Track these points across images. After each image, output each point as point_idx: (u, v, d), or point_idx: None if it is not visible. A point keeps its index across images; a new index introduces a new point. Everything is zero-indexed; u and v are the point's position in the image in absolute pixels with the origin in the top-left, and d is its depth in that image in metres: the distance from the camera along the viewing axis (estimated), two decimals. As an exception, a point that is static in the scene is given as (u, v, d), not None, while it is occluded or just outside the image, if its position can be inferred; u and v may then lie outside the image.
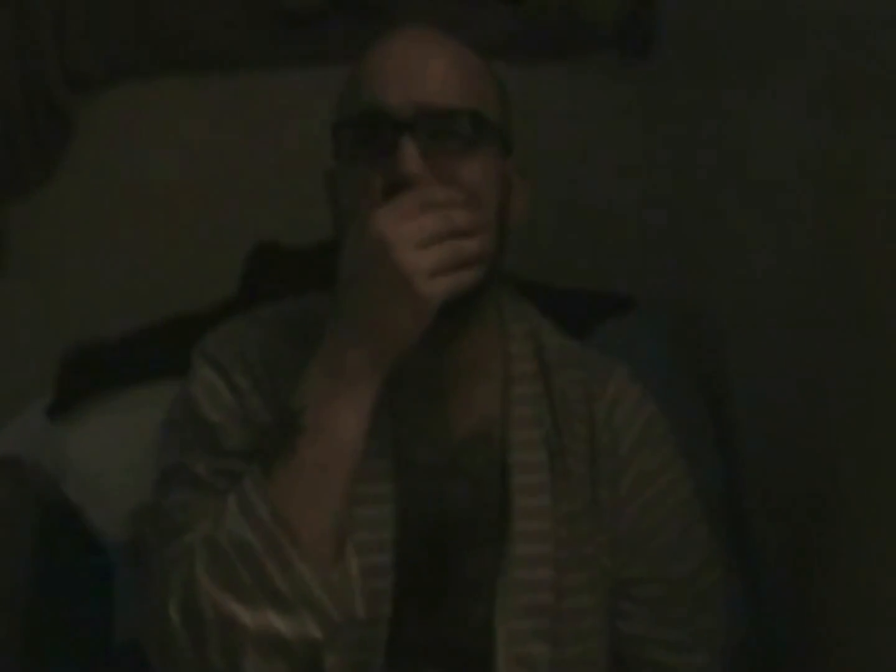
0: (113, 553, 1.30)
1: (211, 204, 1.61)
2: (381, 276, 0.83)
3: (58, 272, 1.61)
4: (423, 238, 0.84)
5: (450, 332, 0.92)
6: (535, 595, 0.96)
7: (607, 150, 1.69)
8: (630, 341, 1.35)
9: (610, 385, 1.03)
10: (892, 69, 1.00)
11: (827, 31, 1.13)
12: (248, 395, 0.97)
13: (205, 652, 0.85)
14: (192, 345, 1.02)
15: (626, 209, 1.71)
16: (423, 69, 0.90)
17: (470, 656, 0.97)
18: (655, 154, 1.67)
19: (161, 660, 0.90)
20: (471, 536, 0.97)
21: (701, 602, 1.03)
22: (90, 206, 1.60)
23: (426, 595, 0.97)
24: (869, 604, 1.05)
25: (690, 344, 1.47)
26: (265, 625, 0.84)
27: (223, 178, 1.60)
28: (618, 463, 1.00)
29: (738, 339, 1.38)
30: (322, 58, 1.54)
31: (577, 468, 0.99)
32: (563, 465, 0.98)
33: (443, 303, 0.84)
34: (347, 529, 0.88)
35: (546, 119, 1.64)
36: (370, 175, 0.89)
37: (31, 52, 1.49)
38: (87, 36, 1.52)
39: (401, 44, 0.93)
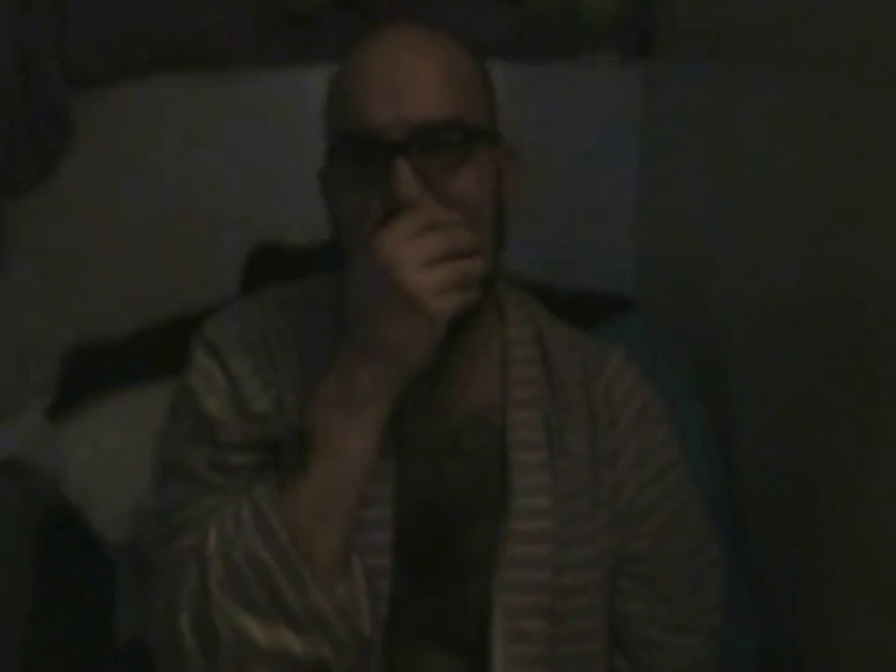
0: (113, 553, 1.30)
1: (211, 204, 1.62)
2: (387, 297, 0.84)
3: (58, 271, 1.62)
4: (426, 258, 0.84)
5: (451, 331, 0.93)
6: (534, 571, 0.96)
7: (607, 150, 1.69)
8: (629, 341, 1.35)
9: (608, 366, 1.04)
10: (893, 68, 1.00)
11: (826, 30, 1.13)
12: (244, 381, 0.97)
13: (216, 665, 0.87)
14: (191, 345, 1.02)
15: (626, 208, 1.72)
16: (412, 82, 0.89)
17: (468, 632, 0.97)
18: (654, 153, 1.67)
19: (170, 668, 0.92)
20: (470, 513, 0.98)
21: (697, 582, 1.04)
22: (90, 205, 1.61)
23: (425, 572, 0.98)
24: (868, 603, 1.05)
25: (690, 344, 1.47)
26: (278, 642, 0.86)
27: (223, 178, 1.61)
28: (617, 440, 1.01)
29: (737, 339, 1.38)
30: (322, 58, 1.54)
31: (577, 447, 1.00)
32: (563, 443, 0.99)
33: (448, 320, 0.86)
34: (351, 544, 0.90)
35: (546, 119, 1.64)
36: (368, 199, 0.89)
37: (31, 52, 1.49)
38: (87, 36, 1.52)
39: (386, 52, 0.91)
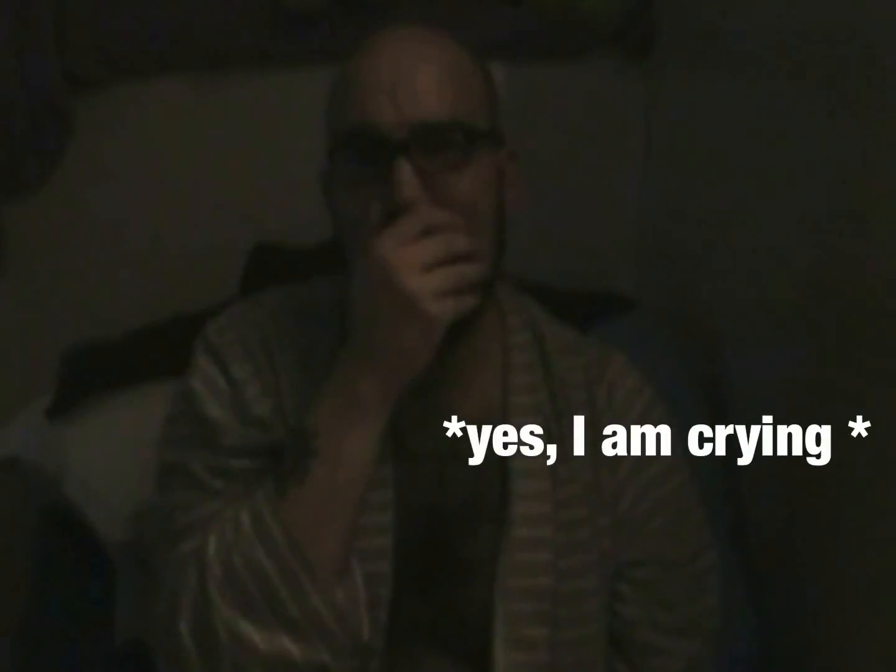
0: (113, 553, 1.30)
1: (211, 204, 1.61)
2: (387, 300, 0.84)
3: (58, 272, 1.61)
4: (426, 261, 0.85)
5: (451, 336, 0.93)
6: (535, 578, 0.96)
7: (607, 150, 1.69)
8: (629, 341, 1.35)
9: (609, 369, 1.04)
10: (893, 67, 1.00)
11: (827, 29, 1.13)
12: (246, 385, 0.97)
13: (215, 669, 0.87)
14: (191, 345, 1.02)
15: (626, 208, 1.72)
16: (414, 82, 0.89)
17: (469, 638, 0.97)
18: (655, 153, 1.67)
19: (170, 670, 0.92)
20: (471, 519, 0.98)
21: (696, 586, 1.05)
22: (90, 206, 1.60)
23: (426, 578, 0.98)
24: (870, 604, 1.05)
25: (690, 344, 1.47)
26: (277, 648, 0.86)
27: (223, 178, 1.60)
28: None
29: (737, 339, 1.38)
30: (322, 58, 1.54)
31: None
32: (563, 449, 0.99)
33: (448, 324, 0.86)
34: (351, 549, 0.90)
35: (546, 119, 1.64)
36: (369, 201, 0.89)
37: (31, 52, 1.49)
38: (87, 36, 1.52)
39: (388, 53, 0.91)
